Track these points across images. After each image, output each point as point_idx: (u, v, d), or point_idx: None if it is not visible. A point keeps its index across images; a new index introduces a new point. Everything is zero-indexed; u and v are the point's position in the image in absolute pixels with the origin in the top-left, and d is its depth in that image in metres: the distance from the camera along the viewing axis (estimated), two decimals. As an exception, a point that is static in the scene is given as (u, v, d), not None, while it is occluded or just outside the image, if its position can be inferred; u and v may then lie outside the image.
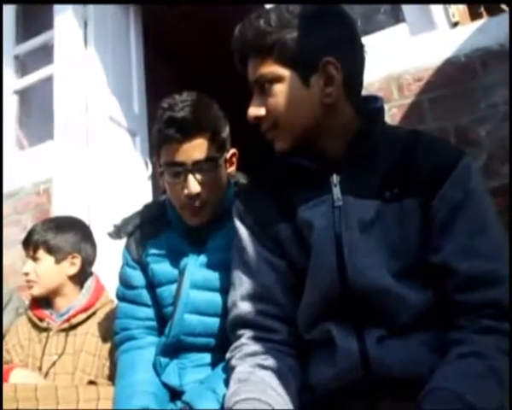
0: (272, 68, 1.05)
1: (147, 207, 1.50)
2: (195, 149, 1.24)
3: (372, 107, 1.13)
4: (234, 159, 1.41)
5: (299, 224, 1.08)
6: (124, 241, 1.50)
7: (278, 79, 1.05)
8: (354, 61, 1.09)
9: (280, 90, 1.05)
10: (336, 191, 1.07)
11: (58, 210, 2.65)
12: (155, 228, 1.42)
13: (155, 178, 2.96)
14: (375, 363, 0.98)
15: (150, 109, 3.11)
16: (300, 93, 1.05)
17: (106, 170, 2.78)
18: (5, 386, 1.48)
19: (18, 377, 1.59)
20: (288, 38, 1.04)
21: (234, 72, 1.16)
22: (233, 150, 1.40)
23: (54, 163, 2.82)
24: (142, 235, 1.43)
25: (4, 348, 1.80)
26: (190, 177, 1.26)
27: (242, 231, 1.16)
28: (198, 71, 3.56)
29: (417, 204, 1.03)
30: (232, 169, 1.41)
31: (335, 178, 1.08)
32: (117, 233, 1.45)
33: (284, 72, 1.05)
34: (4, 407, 1.40)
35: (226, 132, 1.34)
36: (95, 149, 2.76)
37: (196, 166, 1.26)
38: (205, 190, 1.28)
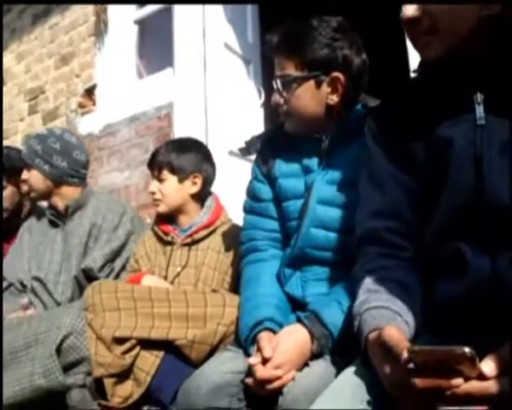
0: None
1: (276, 126, 1.52)
2: (277, 65, 1.38)
3: None
4: (337, 84, 1.34)
5: (438, 142, 1.04)
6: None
7: None
8: None
9: None
10: (479, 110, 1.01)
11: (178, 133, 2.76)
12: (284, 145, 1.44)
13: (267, 106, 2.99)
14: (507, 283, 0.95)
15: (264, 38, 3.10)
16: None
17: (222, 95, 2.83)
18: (140, 287, 1.62)
19: (150, 281, 1.72)
20: None
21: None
22: (335, 74, 1.33)
23: (174, 89, 2.92)
24: (271, 151, 1.47)
25: (133, 257, 1.95)
26: (275, 88, 1.39)
27: (374, 149, 1.14)
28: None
29: None
30: (333, 95, 1.36)
31: (479, 97, 1.02)
32: (247, 149, 1.50)
33: None
34: (140, 306, 1.54)
35: (319, 54, 1.33)
36: (211, 75, 2.81)
37: (279, 80, 1.37)
38: (285, 103, 1.38)
